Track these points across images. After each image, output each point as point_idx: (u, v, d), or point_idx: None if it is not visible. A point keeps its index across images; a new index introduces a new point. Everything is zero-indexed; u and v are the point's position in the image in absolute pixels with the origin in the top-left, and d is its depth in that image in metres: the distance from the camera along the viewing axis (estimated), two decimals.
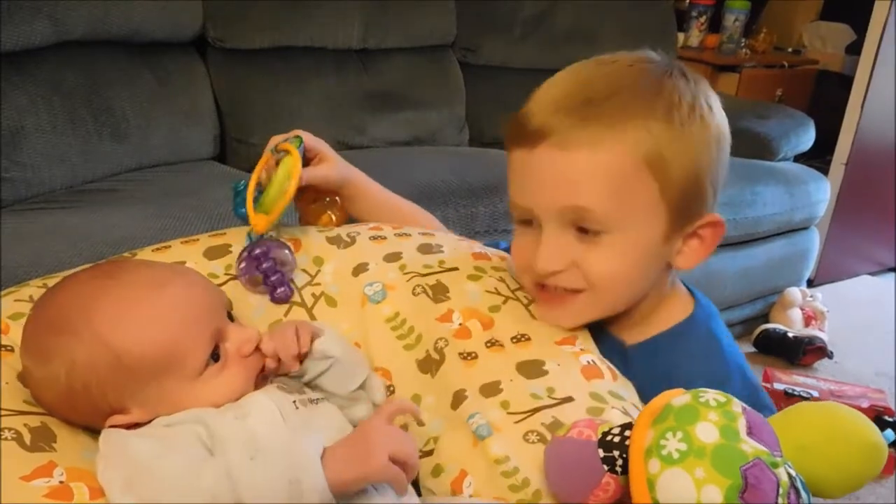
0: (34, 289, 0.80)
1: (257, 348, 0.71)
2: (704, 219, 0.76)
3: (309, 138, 0.91)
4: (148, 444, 0.62)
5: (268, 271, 0.81)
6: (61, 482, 0.60)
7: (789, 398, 2.00)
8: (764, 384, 2.07)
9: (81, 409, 0.67)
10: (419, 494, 0.71)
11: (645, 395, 0.75)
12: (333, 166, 0.93)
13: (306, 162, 0.91)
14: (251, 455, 0.59)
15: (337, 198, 0.97)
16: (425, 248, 0.89)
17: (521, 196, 0.76)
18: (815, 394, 2.02)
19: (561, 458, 0.63)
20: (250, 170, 0.96)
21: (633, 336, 0.82)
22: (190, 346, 0.67)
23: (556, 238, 0.74)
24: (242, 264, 0.82)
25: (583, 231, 0.73)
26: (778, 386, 2.05)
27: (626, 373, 0.77)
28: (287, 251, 0.84)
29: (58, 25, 1.75)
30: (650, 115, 0.71)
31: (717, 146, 0.75)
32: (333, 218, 0.96)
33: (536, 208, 0.74)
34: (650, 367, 0.79)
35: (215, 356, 0.69)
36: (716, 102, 0.76)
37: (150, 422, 0.67)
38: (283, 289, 0.82)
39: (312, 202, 0.97)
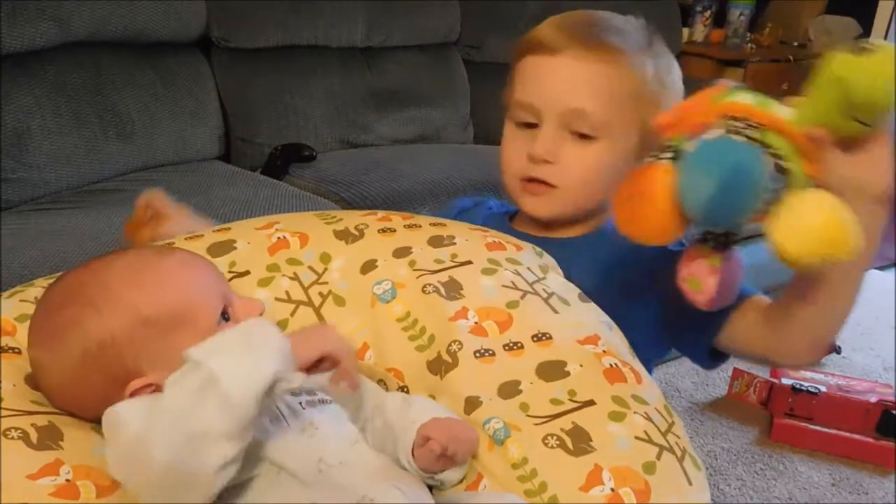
0: (40, 290, 0.79)
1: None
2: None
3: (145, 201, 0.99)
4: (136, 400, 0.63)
5: None
6: (68, 480, 0.60)
7: (797, 393, 2.00)
8: (771, 379, 2.07)
9: (96, 383, 0.66)
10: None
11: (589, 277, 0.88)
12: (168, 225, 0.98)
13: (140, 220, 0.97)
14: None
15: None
16: (436, 241, 0.87)
17: (530, 95, 0.90)
18: (823, 388, 2.01)
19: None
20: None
21: (572, 233, 0.97)
22: (203, 300, 0.69)
23: (555, 134, 0.89)
24: None
25: (576, 136, 0.88)
26: (786, 381, 2.04)
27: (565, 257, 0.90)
28: None
29: (62, 26, 1.76)
30: (644, 59, 0.89)
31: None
32: None
33: (543, 107, 0.89)
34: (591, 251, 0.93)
35: (225, 317, 0.70)
36: (677, 70, 0.94)
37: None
38: None
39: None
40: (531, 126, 0.90)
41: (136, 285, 0.67)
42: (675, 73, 0.93)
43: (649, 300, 0.88)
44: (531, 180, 0.91)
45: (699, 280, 0.76)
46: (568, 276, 0.87)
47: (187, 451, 0.55)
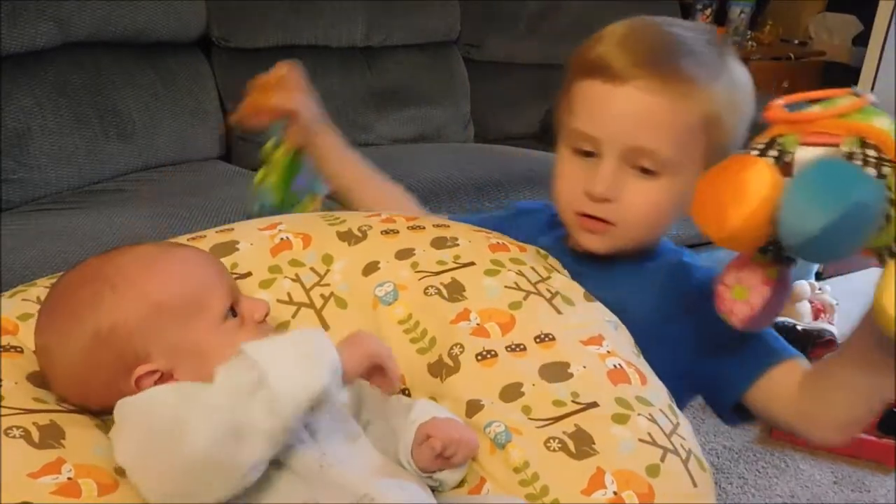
0: (42, 289, 0.79)
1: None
2: None
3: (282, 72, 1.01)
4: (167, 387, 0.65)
5: None
6: (69, 479, 0.60)
7: None
8: None
9: (104, 366, 0.67)
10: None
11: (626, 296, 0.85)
12: (291, 100, 1.01)
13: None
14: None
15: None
16: (439, 242, 0.86)
17: (591, 126, 0.82)
18: None
19: None
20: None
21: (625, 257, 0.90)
22: (212, 293, 0.71)
23: (616, 170, 0.82)
24: None
25: (639, 170, 0.82)
26: None
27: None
28: None
29: (63, 27, 1.76)
30: (716, 83, 0.81)
31: (748, 122, 0.85)
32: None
33: (605, 140, 0.81)
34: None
35: (233, 313, 0.72)
36: (748, 82, 0.86)
37: (170, 374, 0.68)
38: None
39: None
40: (589, 154, 0.83)
41: (149, 273, 0.69)
42: (747, 87, 0.85)
43: (685, 340, 0.84)
44: (588, 216, 0.85)
45: (748, 288, 0.69)
46: (610, 300, 0.84)
47: (228, 442, 0.57)
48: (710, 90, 0.80)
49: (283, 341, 0.63)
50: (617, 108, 0.80)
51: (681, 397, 0.84)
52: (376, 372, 0.68)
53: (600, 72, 0.81)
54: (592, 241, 0.86)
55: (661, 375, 0.79)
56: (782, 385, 0.78)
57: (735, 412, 0.83)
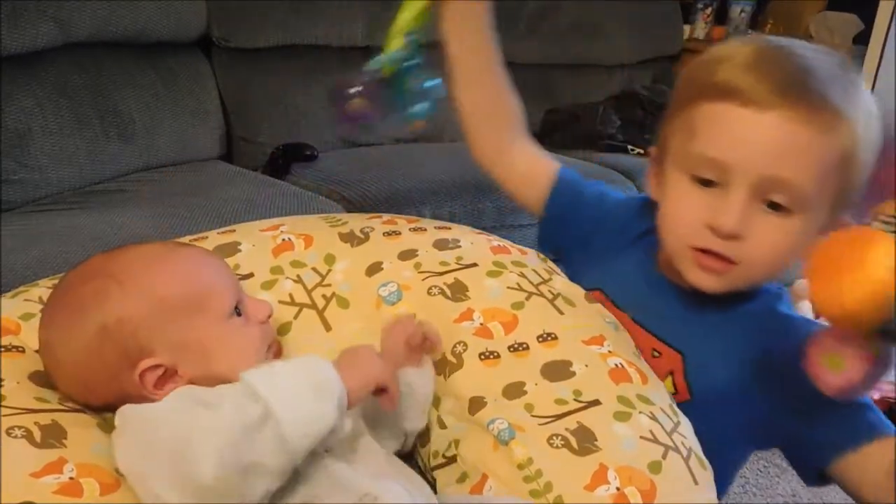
0: (43, 289, 0.80)
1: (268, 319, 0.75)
2: (840, 220, 0.77)
3: None
4: (166, 402, 0.64)
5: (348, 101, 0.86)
6: (71, 478, 0.60)
7: None
8: None
9: (108, 360, 0.67)
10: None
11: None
12: None
13: None
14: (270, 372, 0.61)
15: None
16: (441, 244, 0.87)
17: (723, 151, 0.74)
18: None
19: None
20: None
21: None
22: (218, 291, 0.72)
23: (746, 203, 0.74)
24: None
25: (768, 205, 0.74)
26: None
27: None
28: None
29: (63, 27, 1.76)
30: (856, 115, 0.74)
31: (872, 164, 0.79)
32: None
33: (738, 168, 0.73)
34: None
35: (238, 312, 0.72)
36: (875, 111, 0.79)
37: (173, 370, 0.68)
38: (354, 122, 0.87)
39: None
40: (709, 183, 0.76)
41: (155, 268, 0.70)
42: (878, 120, 0.78)
43: (776, 397, 0.79)
44: (706, 252, 0.76)
45: (843, 361, 0.64)
46: (695, 341, 0.82)
47: (236, 478, 0.56)
48: (852, 123, 0.73)
49: (290, 374, 0.61)
50: (759, 135, 0.73)
51: (759, 445, 0.82)
52: (381, 392, 0.68)
53: (735, 96, 0.74)
54: (706, 281, 0.78)
55: (746, 424, 0.78)
56: (871, 462, 0.73)
57: (818, 476, 0.79)
